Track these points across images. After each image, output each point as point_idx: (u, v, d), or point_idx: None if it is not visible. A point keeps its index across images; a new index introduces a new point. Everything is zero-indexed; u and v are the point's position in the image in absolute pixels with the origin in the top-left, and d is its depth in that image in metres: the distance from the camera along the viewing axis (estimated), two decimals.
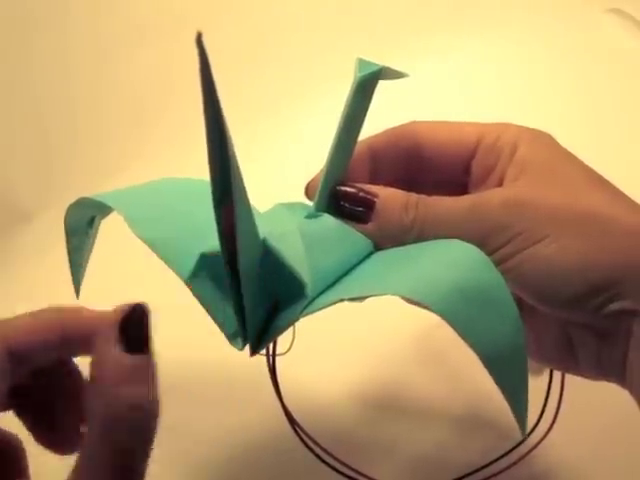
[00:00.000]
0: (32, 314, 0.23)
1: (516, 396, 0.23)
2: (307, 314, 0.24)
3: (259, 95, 0.55)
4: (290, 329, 0.26)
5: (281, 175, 0.46)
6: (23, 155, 0.51)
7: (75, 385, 0.24)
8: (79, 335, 0.22)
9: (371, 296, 0.24)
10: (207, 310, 0.25)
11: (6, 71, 0.52)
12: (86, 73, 0.54)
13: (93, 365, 0.20)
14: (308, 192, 0.30)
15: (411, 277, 0.25)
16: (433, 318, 0.34)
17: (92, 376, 0.20)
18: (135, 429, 0.20)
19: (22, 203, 0.49)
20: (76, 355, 0.24)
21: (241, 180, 0.22)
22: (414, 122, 0.31)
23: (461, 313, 0.23)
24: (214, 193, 0.21)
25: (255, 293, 0.24)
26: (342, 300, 0.24)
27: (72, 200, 0.44)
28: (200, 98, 0.19)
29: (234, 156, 0.21)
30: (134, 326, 0.21)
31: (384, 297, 0.30)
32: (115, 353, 0.20)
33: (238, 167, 0.21)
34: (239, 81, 0.53)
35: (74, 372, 0.25)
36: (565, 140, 0.30)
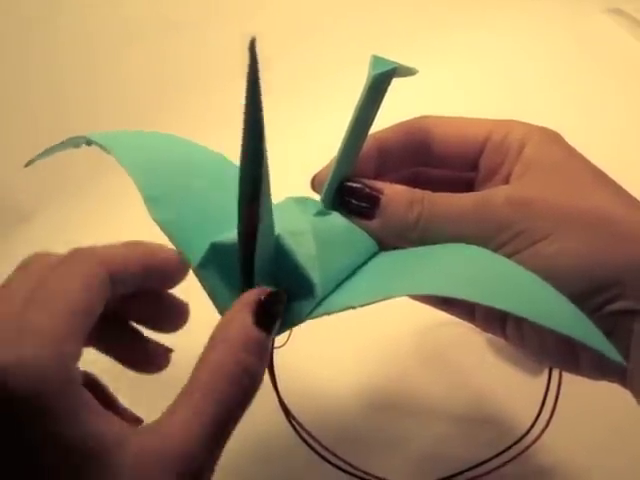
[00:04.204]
0: (125, 244, 0.25)
1: (590, 338, 0.22)
2: (314, 317, 0.25)
3: (268, 90, 0.55)
4: None
5: (287, 169, 0.46)
6: (22, 155, 0.51)
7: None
8: (157, 269, 0.25)
9: (381, 300, 0.24)
10: (212, 299, 0.25)
11: (3, 72, 0.52)
12: (84, 74, 0.54)
13: (224, 321, 0.23)
14: (314, 184, 0.30)
15: (421, 276, 0.25)
16: (434, 317, 0.34)
17: (220, 329, 0.23)
18: (241, 389, 0.22)
19: (21, 203, 0.48)
20: (151, 286, 0.26)
21: (269, 181, 0.22)
22: (424, 116, 0.31)
23: (481, 288, 0.23)
24: (244, 193, 0.22)
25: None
26: (353, 307, 0.24)
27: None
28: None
29: (266, 160, 0.21)
30: (271, 307, 0.23)
31: None
32: (248, 321, 0.22)
33: (268, 168, 0.21)
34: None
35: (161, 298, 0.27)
36: (565, 139, 0.30)
